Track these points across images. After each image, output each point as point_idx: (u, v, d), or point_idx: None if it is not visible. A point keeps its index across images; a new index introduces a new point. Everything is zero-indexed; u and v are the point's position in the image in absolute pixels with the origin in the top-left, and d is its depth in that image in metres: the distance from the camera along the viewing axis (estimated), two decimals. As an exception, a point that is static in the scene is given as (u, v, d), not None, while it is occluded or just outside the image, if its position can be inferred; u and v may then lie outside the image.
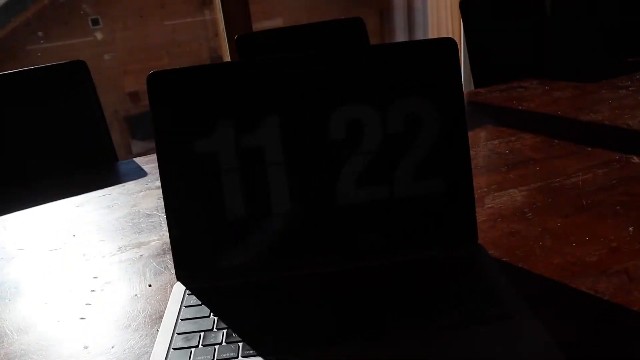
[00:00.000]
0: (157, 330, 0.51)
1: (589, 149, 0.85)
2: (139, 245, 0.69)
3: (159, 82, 0.55)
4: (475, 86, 1.42)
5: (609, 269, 0.54)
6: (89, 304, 0.58)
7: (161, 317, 0.53)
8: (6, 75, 1.08)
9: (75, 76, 1.12)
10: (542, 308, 0.49)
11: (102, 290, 0.60)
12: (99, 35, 2.88)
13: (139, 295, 0.58)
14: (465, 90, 1.33)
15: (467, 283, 0.51)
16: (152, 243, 0.69)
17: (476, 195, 0.71)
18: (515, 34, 1.63)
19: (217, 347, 0.46)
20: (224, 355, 0.45)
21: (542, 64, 1.56)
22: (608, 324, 0.48)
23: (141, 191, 0.86)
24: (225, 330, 0.48)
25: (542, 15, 1.63)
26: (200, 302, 0.52)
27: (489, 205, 0.70)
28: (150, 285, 0.60)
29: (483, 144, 0.93)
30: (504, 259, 0.58)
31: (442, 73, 0.56)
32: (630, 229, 0.61)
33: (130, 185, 0.89)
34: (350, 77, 0.55)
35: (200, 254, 0.56)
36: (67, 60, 1.12)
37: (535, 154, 0.86)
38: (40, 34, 2.75)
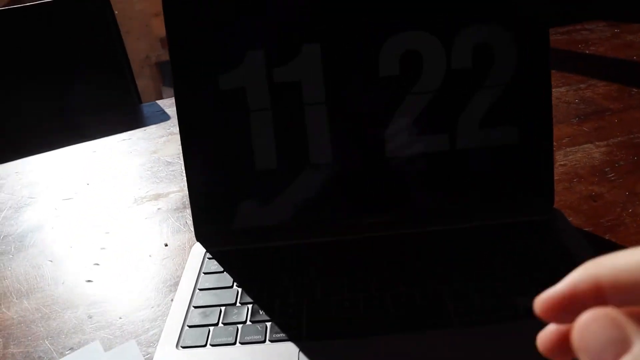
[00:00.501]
0: (172, 300, 0.43)
1: (677, 99, 0.73)
2: (156, 197, 0.61)
3: (177, 2, 0.45)
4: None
5: None
6: (98, 264, 0.50)
7: (177, 283, 0.45)
8: (21, 9, 0.99)
9: (95, 11, 1.02)
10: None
11: (113, 248, 0.53)
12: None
13: (153, 256, 0.51)
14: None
15: (546, 258, 0.42)
16: (172, 195, 0.61)
17: (547, 150, 0.60)
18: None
19: (240, 326, 0.38)
20: (248, 338, 0.37)
21: (609, 4, 1.40)
22: None
23: (163, 136, 0.78)
24: (250, 306, 0.40)
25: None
26: (222, 269, 0.44)
27: (562, 163, 0.60)
28: (166, 245, 0.52)
29: (548, 92, 0.81)
30: (586, 229, 0.48)
31: (524, -4, 0.45)
32: None
33: (151, 130, 0.81)
34: (410, -2, 0.44)
35: (223, 210, 0.48)
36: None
37: (611, 104, 0.74)
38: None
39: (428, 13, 0.44)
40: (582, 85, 0.82)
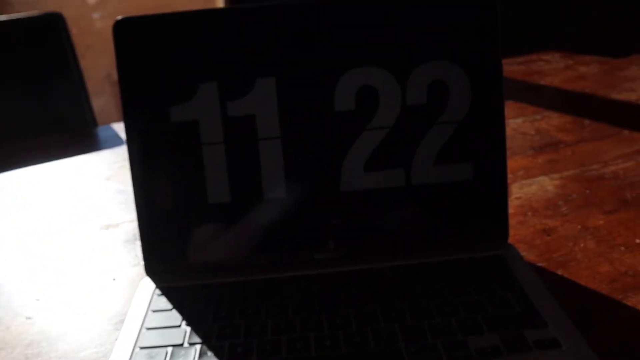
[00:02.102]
0: (117, 339, 0.41)
1: (627, 132, 0.75)
2: (106, 227, 0.59)
3: (128, 31, 0.44)
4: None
5: (672, 282, 0.45)
6: (39, 300, 0.48)
7: (124, 320, 0.43)
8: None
9: (49, 30, 1.00)
10: (592, 331, 0.40)
11: (57, 281, 0.50)
12: (91, -8, 2.74)
13: (100, 291, 0.48)
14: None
15: (499, 295, 0.42)
16: (123, 225, 0.59)
17: (502, 183, 0.60)
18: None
19: (187, 369, 0.37)
20: (194, 383, 0.35)
21: (563, 35, 1.45)
22: (676, 355, 0.38)
23: (116, 162, 0.76)
24: (199, 347, 0.38)
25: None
26: (172, 306, 0.43)
27: (517, 196, 0.60)
28: (114, 279, 0.50)
29: (504, 122, 0.83)
30: (539, 264, 0.48)
31: (477, 32, 0.45)
32: (690, 231, 0.51)
33: (105, 155, 0.79)
34: (365, 32, 0.44)
35: (175, 245, 0.46)
36: (42, 12, 1.00)
37: (565, 136, 0.76)
38: (26, -14, 2.60)
39: (384, 49, 0.44)
40: (537, 117, 0.84)
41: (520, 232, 0.53)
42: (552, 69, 1.10)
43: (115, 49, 0.44)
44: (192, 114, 0.44)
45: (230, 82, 0.44)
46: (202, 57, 0.44)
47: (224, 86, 0.44)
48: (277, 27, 0.44)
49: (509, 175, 0.65)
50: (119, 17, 0.44)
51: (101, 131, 0.91)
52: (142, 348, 0.39)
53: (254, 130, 0.44)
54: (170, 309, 0.42)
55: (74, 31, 1.08)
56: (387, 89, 0.45)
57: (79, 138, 0.89)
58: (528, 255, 0.50)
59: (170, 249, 0.46)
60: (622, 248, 0.50)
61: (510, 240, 0.49)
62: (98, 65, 2.99)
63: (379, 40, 0.44)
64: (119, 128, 0.89)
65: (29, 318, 0.46)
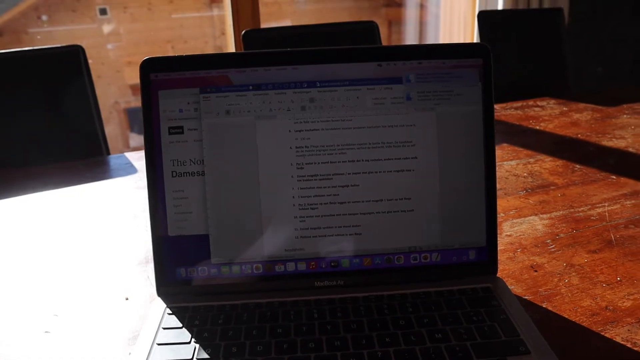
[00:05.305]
0: (130, 354, 0.44)
1: (614, 177, 0.79)
2: (119, 250, 0.62)
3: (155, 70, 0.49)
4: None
5: (647, 317, 0.48)
6: (57, 315, 0.51)
7: (136, 337, 0.46)
8: (-3, 56, 1.01)
9: (72, 61, 1.05)
10: (572, 360, 0.43)
11: (72, 301, 0.54)
12: (105, 25, 2.84)
13: (112, 311, 0.52)
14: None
15: (486, 324, 0.45)
16: (135, 249, 0.62)
17: (494, 221, 0.64)
18: (531, 50, 1.58)
19: (195, 382, 0.40)
20: (201, 394, 0.38)
21: (559, 83, 1.50)
22: (649, 385, 0.41)
23: (129, 189, 0.80)
24: (206, 362, 0.41)
25: (560, 31, 1.58)
26: (181, 325, 0.46)
27: (508, 233, 0.64)
28: (127, 299, 0.53)
29: (499, 164, 0.87)
30: (525, 297, 0.52)
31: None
32: (668, 271, 0.55)
33: (118, 182, 0.83)
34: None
35: (185, 268, 0.49)
36: (65, 45, 1.05)
37: (557, 179, 0.80)
38: (44, 17, 2.70)
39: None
40: (531, 160, 0.89)
41: (510, 267, 0.57)
42: (547, 114, 1.15)
43: (142, 85, 0.49)
44: (208, 147, 0.48)
45: (245, 119, 0.48)
46: (220, 96, 0.48)
47: (239, 123, 0.48)
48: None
49: (501, 214, 0.69)
50: (147, 57, 0.49)
51: (113, 159, 0.95)
52: (153, 362, 0.42)
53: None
54: (181, 327, 0.45)
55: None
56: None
57: (93, 166, 0.92)
58: (516, 288, 0.53)
59: (181, 272, 0.49)
60: (604, 285, 0.53)
61: (500, 274, 0.53)
62: (107, 93, 3.07)
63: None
64: (131, 157, 0.93)
65: (47, 332, 0.49)
